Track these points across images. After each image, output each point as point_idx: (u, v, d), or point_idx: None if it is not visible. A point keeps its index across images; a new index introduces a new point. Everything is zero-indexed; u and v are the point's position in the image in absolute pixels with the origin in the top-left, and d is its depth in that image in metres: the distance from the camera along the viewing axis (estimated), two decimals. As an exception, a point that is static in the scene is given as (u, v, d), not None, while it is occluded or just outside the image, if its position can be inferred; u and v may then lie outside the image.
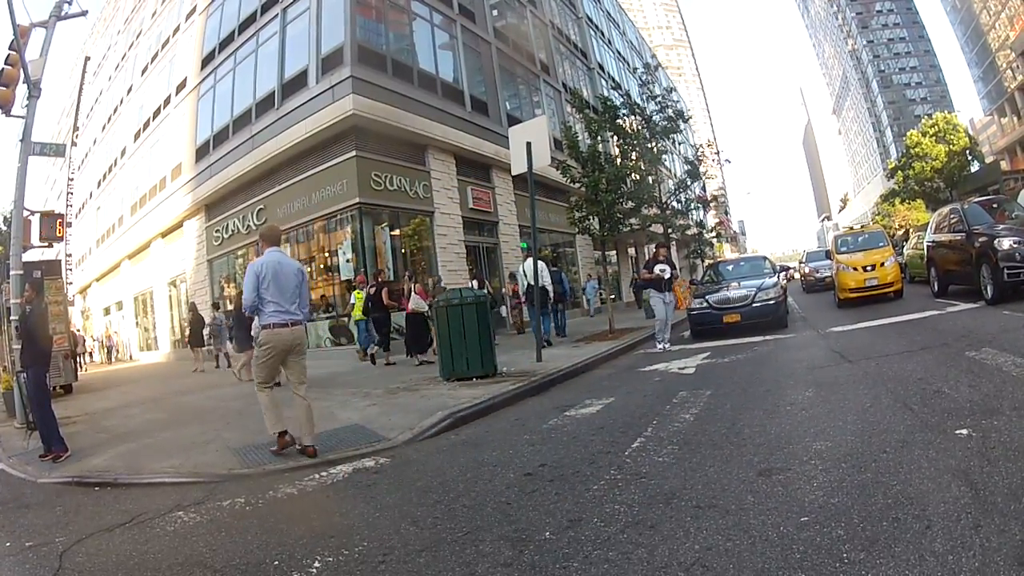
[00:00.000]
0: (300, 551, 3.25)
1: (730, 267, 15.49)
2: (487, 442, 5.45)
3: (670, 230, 24.16)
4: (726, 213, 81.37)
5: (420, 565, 2.93)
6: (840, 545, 2.50)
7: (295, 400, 5.67)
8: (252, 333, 9.72)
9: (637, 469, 3.98)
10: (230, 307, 16.98)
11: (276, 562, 3.15)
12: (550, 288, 13.82)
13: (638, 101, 24.68)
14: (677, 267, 11.54)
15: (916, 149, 57.50)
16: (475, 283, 16.49)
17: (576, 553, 2.81)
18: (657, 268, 11.41)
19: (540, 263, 13.23)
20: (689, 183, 24.97)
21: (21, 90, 9.69)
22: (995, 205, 12.51)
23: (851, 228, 22.46)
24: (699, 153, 26.52)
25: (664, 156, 26.05)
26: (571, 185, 15.26)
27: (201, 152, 21.26)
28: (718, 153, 28.04)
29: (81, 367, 23.21)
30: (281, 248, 5.92)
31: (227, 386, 11.91)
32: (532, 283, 12.45)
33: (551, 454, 4.68)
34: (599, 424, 5.53)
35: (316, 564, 3.06)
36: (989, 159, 58.48)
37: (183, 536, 3.76)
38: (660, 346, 10.99)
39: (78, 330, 29.14)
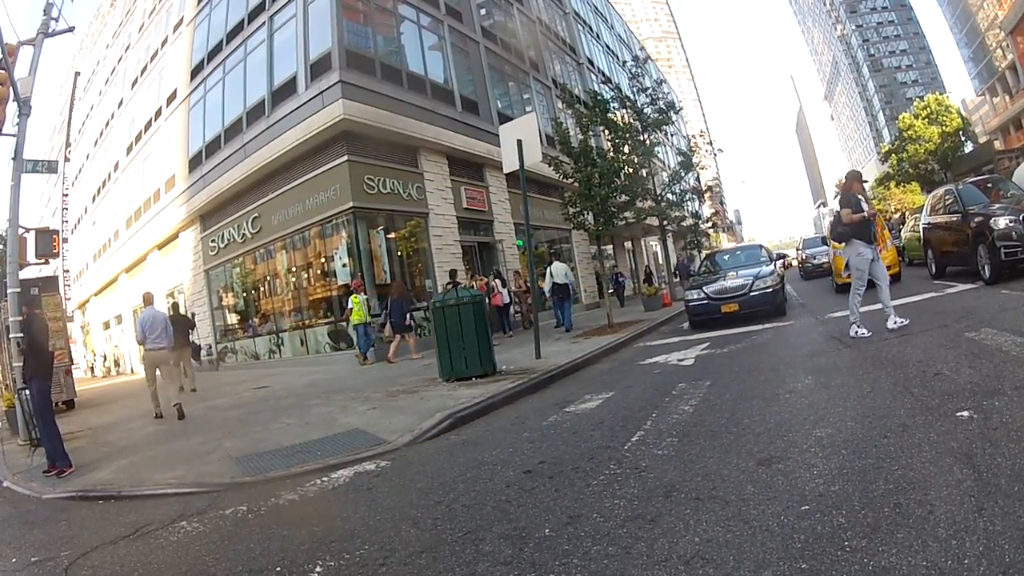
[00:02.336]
0: (302, 556, 3.27)
1: (727, 257, 15.49)
2: (487, 441, 5.46)
3: (665, 222, 24.19)
4: (721, 203, 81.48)
5: (421, 566, 2.93)
6: (842, 533, 2.49)
7: (168, 388, 9.95)
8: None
9: (636, 463, 3.97)
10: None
11: (278, 568, 3.16)
12: (572, 284, 16.94)
13: (628, 94, 24.72)
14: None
15: (909, 132, 57.59)
16: (498, 282, 16.66)
17: (576, 549, 2.81)
18: (866, 207, 7.94)
19: (563, 265, 17.21)
20: (683, 174, 25.00)
21: (11, 108, 9.66)
22: (990, 185, 12.52)
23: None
24: (692, 144, 26.54)
25: (656, 148, 26.09)
26: (564, 181, 15.25)
27: (194, 163, 21.20)
28: (711, 143, 27.99)
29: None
30: (153, 306, 10.38)
31: (226, 396, 11.92)
32: (558, 282, 16.26)
33: (550, 451, 4.68)
34: (598, 419, 5.52)
35: (318, 569, 3.07)
36: (982, 139, 58.53)
37: (187, 546, 3.79)
38: (862, 331, 7.44)
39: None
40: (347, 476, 4.89)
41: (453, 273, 15.03)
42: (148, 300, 10.56)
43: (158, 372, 10.01)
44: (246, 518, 4.19)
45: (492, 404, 7.00)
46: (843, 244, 8.13)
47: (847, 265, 8.02)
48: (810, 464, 3.37)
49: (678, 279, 25.67)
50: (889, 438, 3.54)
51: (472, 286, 14.91)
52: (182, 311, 16.51)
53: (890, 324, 7.45)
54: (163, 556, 3.66)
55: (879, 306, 7.86)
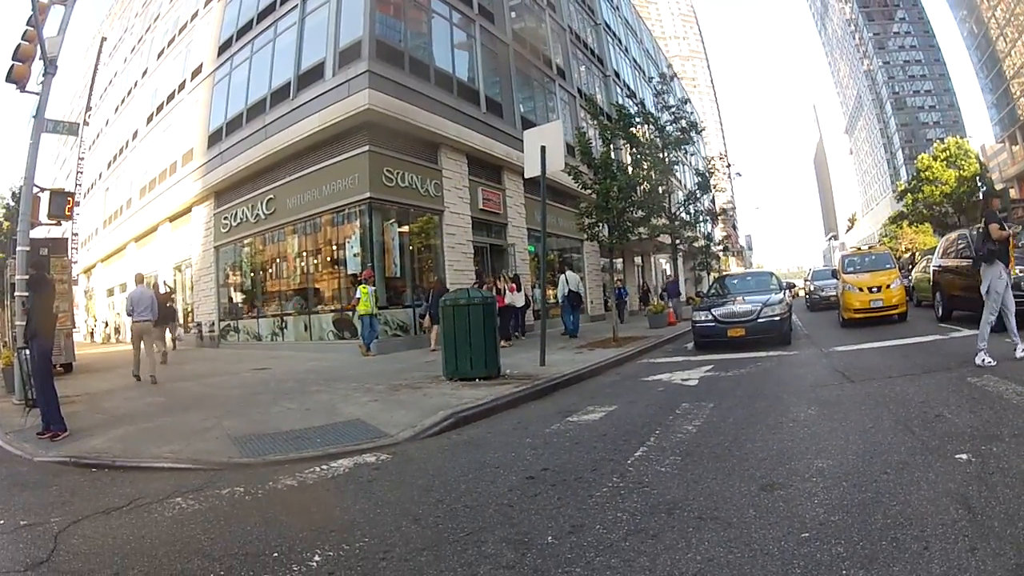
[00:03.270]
0: (300, 544, 3.25)
1: (736, 281, 15.50)
2: (489, 443, 5.46)
3: (678, 241, 24.18)
4: (734, 227, 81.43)
5: (422, 564, 2.93)
6: (840, 562, 2.52)
7: (148, 358, 11.47)
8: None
9: (639, 478, 3.99)
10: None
11: (276, 554, 3.14)
12: (583, 294, 18.01)
13: (652, 111, 24.74)
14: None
15: (926, 172, 57.63)
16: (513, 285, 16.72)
17: (578, 558, 2.82)
18: (1007, 226, 7.23)
19: (575, 274, 18.19)
20: (699, 195, 24.99)
21: (37, 67, 9.71)
22: (1004, 232, 12.49)
23: (858, 248, 22.46)
24: (710, 165, 26.56)
25: (675, 167, 26.09)
26: (581, 191, 15.26)
27: (213, 139, 21.26)
28: (729, 166, 28.04)
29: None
30: (143, 285, 12.39)
31: (227, 375, 11.94)
32: (572, 289, 17.07)
33: (553, 458, 4.68)
34: (602, 431, 5.53)
35: (316, 558, 3.06)
36: (999, 186, 58.37)
37: (181, 523, 3.75)
38: (989, 360, 6.74)
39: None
40: (347, 466, 4.87)
41: (479, 274, 15.10)
42: (139, 280, 12.62)
43: (142, 344, 11.68)
44: (243, 500, 4.17)
45: (495, 407, 7.00)
46: (987, 265, 7.18)
47: (987, 288, 7.13)
48: (811, 493, 3.40)
49: (666, 298, 25.46)
50: (889, 474, 3.58)
51: (502, 288, 15.29)
52: (162, 290, 19.75)
53: (1019, 353, 6.90)
54: (156, 531, 3.61)
55: (878, 344, 7.82)
